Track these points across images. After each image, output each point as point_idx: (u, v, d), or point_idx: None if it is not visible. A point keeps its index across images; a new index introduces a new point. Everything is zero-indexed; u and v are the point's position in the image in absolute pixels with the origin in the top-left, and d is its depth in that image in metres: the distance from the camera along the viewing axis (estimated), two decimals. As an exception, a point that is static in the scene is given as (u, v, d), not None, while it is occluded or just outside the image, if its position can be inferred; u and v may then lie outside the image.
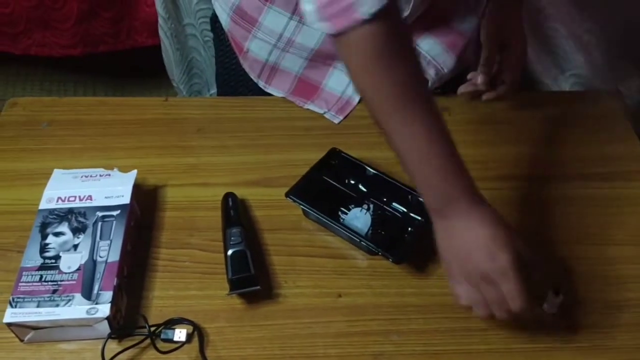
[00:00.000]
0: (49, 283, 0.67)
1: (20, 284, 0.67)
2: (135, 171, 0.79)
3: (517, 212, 0.82)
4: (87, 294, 0.66)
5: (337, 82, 0.93)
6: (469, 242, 0.62)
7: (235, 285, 0.70)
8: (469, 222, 0.62)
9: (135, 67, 1.77)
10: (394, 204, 0.80)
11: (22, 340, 0.67)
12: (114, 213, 0.74)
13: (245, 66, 0.96)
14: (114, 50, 1.64)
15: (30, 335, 0.66)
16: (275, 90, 0.95)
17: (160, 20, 1.31)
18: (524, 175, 0.87)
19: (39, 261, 0.69)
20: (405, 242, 0.77)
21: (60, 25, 1.57)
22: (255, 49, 0.93)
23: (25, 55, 1.63)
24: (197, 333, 0.68)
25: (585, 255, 0.77)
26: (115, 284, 0.67)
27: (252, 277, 0.71)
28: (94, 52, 1.64)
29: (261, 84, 0.96)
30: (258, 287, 0.70)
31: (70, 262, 0.69)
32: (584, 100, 1.00)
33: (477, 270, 0.61)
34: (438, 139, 0.61)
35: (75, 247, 0.70)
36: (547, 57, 1.26)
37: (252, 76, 0.96)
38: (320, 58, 0.92)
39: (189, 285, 0.73)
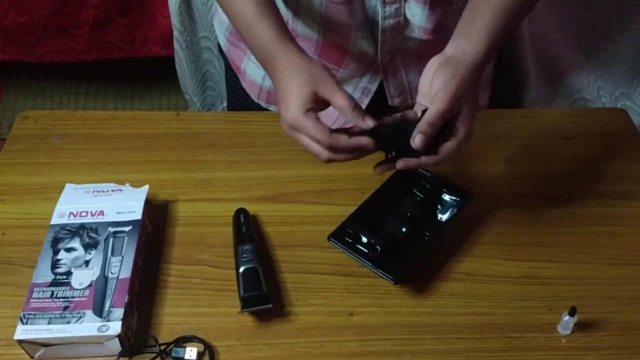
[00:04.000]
0: (60, 299, 0.67)
1: (31, 300, 0.67)
2: (147, 186, 0.79)
3: (531, 231, 0.81)
4: (99, 311, 0.66)
5: None
6: (280, 95, 0.69)
7: (246, 303, 0.70)
8: (283, 78, 0.69)
9: (146, 78, 1.79)
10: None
11: (32, 357, 0.66)
12: (126, 229, 0.73)
13: (245, 86, 0.96)
14: (129, 57, 1.66)
15: (40, 352, 0.66)
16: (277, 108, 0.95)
17: (175, 33, 1.32)
18: (538, 193, 0.86)
19: (50, 277, 0.69)
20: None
21: (76, 32, 1.60)
22: (250, 72, 0.93)
23: (39, 63, 1.64)
24: (208, 351, 0.67)
25: (600, 275, 0.77)
26: (126, 301, 0.67)
27: (263, 295, 0.70)
28: (109, 59, 1.65)
29: (262, 104, 0.96)
30: (270, 306, 0.69)
31: (82, 278, 0.69)
32: (597, 118, 0.99)
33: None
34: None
35: (87, 263, 0.70)
36: (551, 84, 1.26)
37: (252, 96, 0.96)
38: None
39: (200, 302, 0.72)
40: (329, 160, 0.68)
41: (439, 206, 0.81)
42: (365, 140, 0.67)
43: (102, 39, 1.61)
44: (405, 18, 0.83)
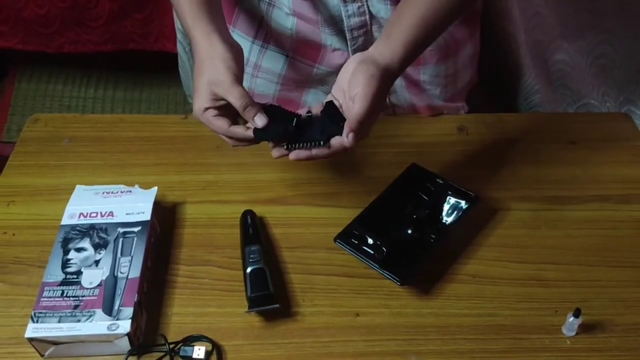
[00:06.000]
0: (71, 298, 0.67)
1: (42, 299, 0.67)
2: (155, 188, 0.80)
3: (536, 233, 0.82)
4: (108, 310, 0.66)
5: (315, 99, 0.93)
6: (193, 83, 0.74)
7: (254, 303, 0.70)
8: (195, 67, 0.74)
9: (154, 82, 1.81)
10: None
11: (42, 355, 0.67)
12: (135, 229, 0.74)
13: None
14: (143, 49, 1.70)
15: (50, 350, 0.67)
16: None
17: (178, 35, 1.32)
18: (541, 196, 0.87)
19: (60, 276, 0.70)
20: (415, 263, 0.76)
21: (93, 24, 1.64)
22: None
23: (58, 53, 1.69)
24: (216, 350, 0.68)
25: (605, 277, 0.77)
26: (135, 300, 0.67)
27: (270, 295, 0.71)
28: (124, 50, 1.70)
29: None
30: (277, 306, 0.70)
31: (92, 277, 0.69)
32: (602, 122, 1.00)
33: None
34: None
35: (97, 262, 0.71)
36: (556, 90, 1.26)
37: None
38: (291, 82, 0.92)
39: (208, 302, 0.73)
40: (235, 145, 0.74)
41: (444, 209, 0.81)
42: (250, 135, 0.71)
43: (117, 31, 1.65)
44: (372, 16, 0.84)
